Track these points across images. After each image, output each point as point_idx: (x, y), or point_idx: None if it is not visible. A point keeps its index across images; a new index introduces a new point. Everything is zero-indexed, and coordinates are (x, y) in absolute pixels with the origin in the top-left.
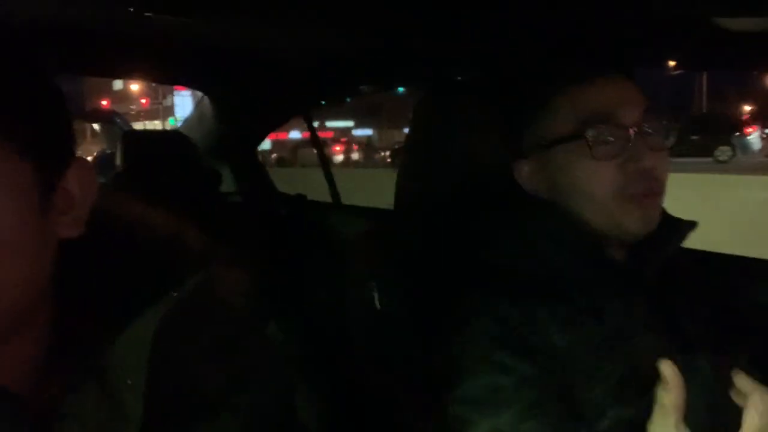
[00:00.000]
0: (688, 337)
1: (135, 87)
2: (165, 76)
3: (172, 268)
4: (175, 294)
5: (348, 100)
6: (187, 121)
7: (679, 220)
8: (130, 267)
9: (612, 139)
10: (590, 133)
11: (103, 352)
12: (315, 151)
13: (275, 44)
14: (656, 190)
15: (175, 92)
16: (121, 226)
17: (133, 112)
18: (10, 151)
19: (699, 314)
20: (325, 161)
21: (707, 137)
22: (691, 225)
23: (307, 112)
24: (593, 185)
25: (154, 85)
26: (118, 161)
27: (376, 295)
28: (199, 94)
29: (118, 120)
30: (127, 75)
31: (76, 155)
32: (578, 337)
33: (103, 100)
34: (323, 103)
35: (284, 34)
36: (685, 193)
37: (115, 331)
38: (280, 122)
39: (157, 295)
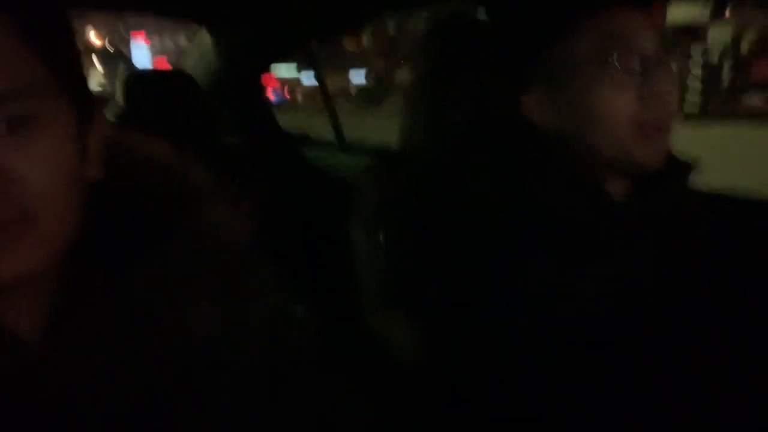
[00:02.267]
0: (696, 283)
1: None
2: (164, 8)
3: (177, 206)
4: (179, 230)
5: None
6: (185, 57)
7: (680, 158)
8: (135, 206)
9: (632, 65)
10: (611, 59)
11: (110, 293)
12: None
13: None
14: (669, 121)
15: (132, 41)
16: (125, 165)
17: None
18: (62, 102)
19: (709, 259)
20: (330, 100)
21: None
22: (692, 164)
23: (307, 45)
24: (611, 111)
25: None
26: (120, 101)
27: (381, 234)
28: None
29: (124, 58)
30: (124, 6)
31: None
32: (575, 279)
33: None
34: (326, 35)
35: None
36: None
37: (122, 271)
38: (282, 55)
39: (162, 233)
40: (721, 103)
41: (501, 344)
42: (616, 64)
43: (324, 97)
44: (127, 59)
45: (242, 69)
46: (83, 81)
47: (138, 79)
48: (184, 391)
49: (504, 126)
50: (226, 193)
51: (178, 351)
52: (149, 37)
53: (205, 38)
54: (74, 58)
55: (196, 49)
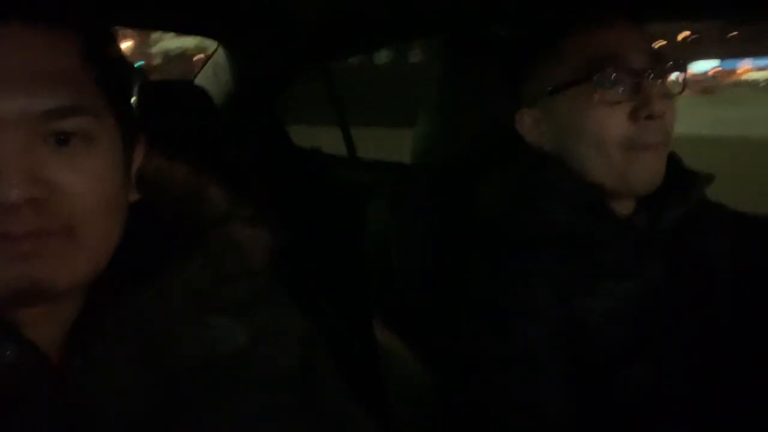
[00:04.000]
0: (703, 300)
1: None
2: (181, 25)
3: (195, 223)
4: (199, 250)
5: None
6: (201, 75)
7: (695, 173)
8: (154, 224)
9: (621, 82)
10: (598, 77)
11: (132, 308)
12: None
13: None
14: (664, 140)
15: None
16: (141, 181)
17: None
18: (112, 124)
19: (720, 277)
20: (344, 115)
21: None
22: (708, 178)
23: (324, 64)
24: (601, 132)
25: None
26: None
27: (392, 249)
28: None
29: (139, 72)
30: (141, 24)
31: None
32: (585, 296)
33: None
34: (341, 55)
35: None
36: None
37: (143, 288)
38: (297, 75)
39: (180, 251)
40: None
41: (516, 362)
42: (603, 80)
43: (338, 112)
44: (140, 71)
45: (258, 87)
46: (131, 106)
47: (151, 89)
48: (206, 406)
49: (506, 143)
50: (245, 213)
51: (199, 366)
52: None
53: (221, 55)
54: (126, 83)
55: (212, 65)
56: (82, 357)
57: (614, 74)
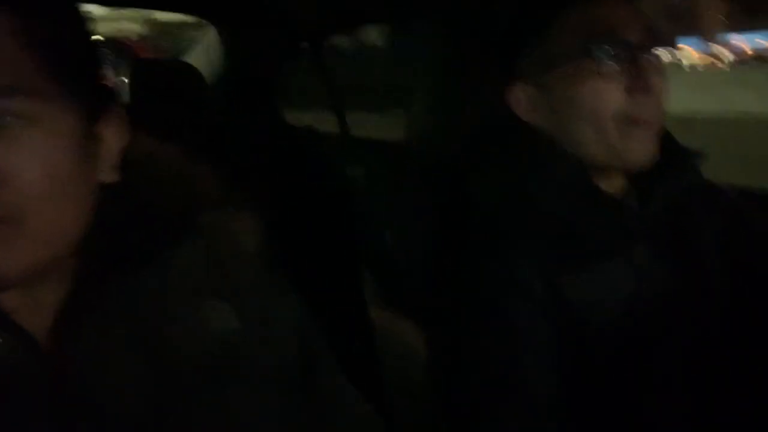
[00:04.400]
0: (704, 280)
1: None
2: (173, 4)
3: (187, 208)
4: (191, 235)
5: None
6: (192, 53)
7: (688, 150)
8: (145, 208)
9: (618, 56)
10: (595, 51)
11: (123, 292)
12: None
13: None
14: (656, 118)
15: None
16: (133, 164)
17: None
18: (55, 94)
19: (709, 260)
20: (336, 95)
21: None
22: (698, 155)
23: (317, 43)
24: (596, 105)
25: None
26: (127, 92)
27: (387, 234)
28: None
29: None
30: (131, 2)
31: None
32: (578, 280)
33: None
34: (333, 35)
35: None
36: None
37: (130, 274)
38: (290, 54)
39: (172, 236)
40: None
41: (507, 346)
42: (600, 55)
43: (329, 91)
44: (123, 48)
45: (250, 68)
46: (94, 82)
47: (143, 68)
48: (201, 396)
49: (499, 123)
50: (238, 198)
51: (191, 349)
52: None
53: (212, 35)
54: (82, 59)
55: (203, 45)
56: (73, 346)
57: (611, 48)
